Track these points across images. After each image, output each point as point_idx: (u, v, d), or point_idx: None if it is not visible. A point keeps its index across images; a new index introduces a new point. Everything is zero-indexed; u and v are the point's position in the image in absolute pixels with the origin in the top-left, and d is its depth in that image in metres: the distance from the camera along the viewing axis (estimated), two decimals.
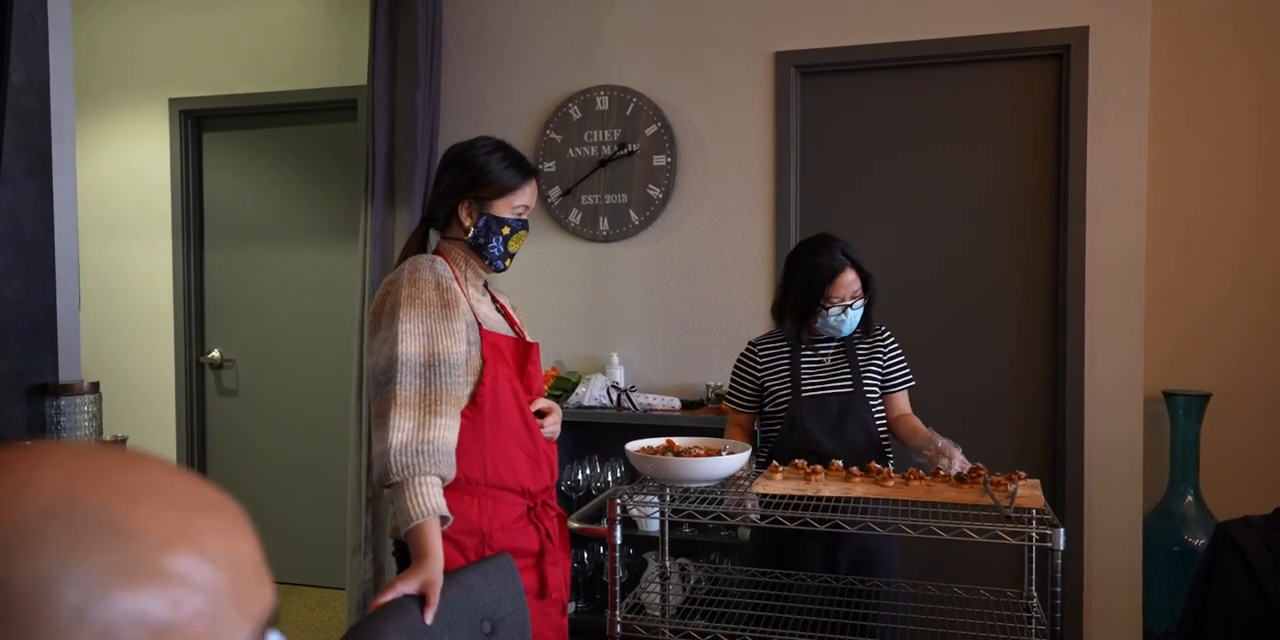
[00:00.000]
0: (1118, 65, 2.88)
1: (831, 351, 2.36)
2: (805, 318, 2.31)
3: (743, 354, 2.43)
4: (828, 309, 2.28)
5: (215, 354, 4.16)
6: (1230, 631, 1.83)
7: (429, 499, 1.51)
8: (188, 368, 4.15)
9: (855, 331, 2.34)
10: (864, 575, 2.16)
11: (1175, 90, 3.03)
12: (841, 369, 2.33)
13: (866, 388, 2.32)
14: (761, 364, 2.38)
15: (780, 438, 2.32)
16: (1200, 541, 2.79)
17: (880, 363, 2.37)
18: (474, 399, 1.70)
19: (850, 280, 2.27)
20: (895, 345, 2.40)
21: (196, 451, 4.19)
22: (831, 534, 2.03)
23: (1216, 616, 1.85)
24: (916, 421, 2.35)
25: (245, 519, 0.47)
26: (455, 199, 1.79)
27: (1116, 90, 2.88)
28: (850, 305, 2.27)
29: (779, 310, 2.39)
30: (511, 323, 1.91)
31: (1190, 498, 2.86)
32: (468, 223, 1.79)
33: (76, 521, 0.40)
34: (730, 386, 2.45)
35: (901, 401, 2.40)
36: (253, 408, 4.14)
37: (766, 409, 2.38)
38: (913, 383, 2.42)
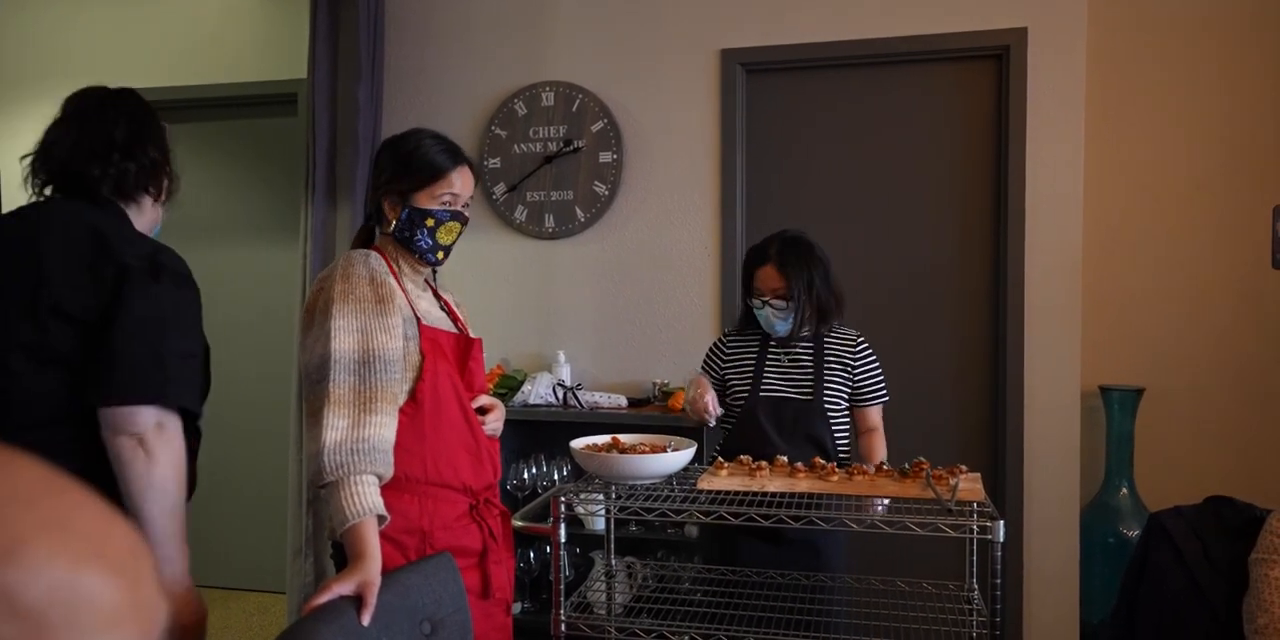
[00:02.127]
0: (1055, 66, 2.93)
1: (799, 355, 2.33)
2: (746, 307, 2.34)
3: (713, 345, 2.46)
4: (751, 299, 2.30)
5: None
6: (1161, 620, 1.88)
7: (365, 498, 1.48)
8: None
9: (792, 335, 2.28)
10: (809, 571, 2.17)
11: (1111, 91, 3.10)
12: (805, 375, 2.30)
13: (826, 398, 2.28)
14: (726, 357, 2.39)
15: (732, 434, 2.32)
16: (1135, 533, 2.86)
17: (849, 374, 2.31)
18: (413, 395, 1.67)
19: (769, 276, 2.24)
20: (870, 358, 2.34)
21: None
22: (774, 530, 2.03)
23: (1149, 605, 1.90)
24: (878, 444, 2.31)
25: (132, 556, 0.41)
26: (380, 194, 1.77)
27: (1054, 91, 2.94)
28: (768, 301, 2.25)
29: (742, 302, 2.41)
30: (455, 319, 1.88)
31: (1125, 490, 2.93)
32: (391, 217, 1.76)
33: None
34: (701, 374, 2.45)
35: (870, 416, 2.35)
36: None
37: (726, 402, 2.37)
38: (885, 398, 2.36)
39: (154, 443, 1.49)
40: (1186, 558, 1.81)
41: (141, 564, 0.42)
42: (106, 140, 1.67)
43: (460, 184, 1.78)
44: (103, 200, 1.66)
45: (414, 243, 1.76)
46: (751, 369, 2.33)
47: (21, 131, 4.05)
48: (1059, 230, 2.94)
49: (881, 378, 2.35)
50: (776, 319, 2.26)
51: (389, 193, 1.76)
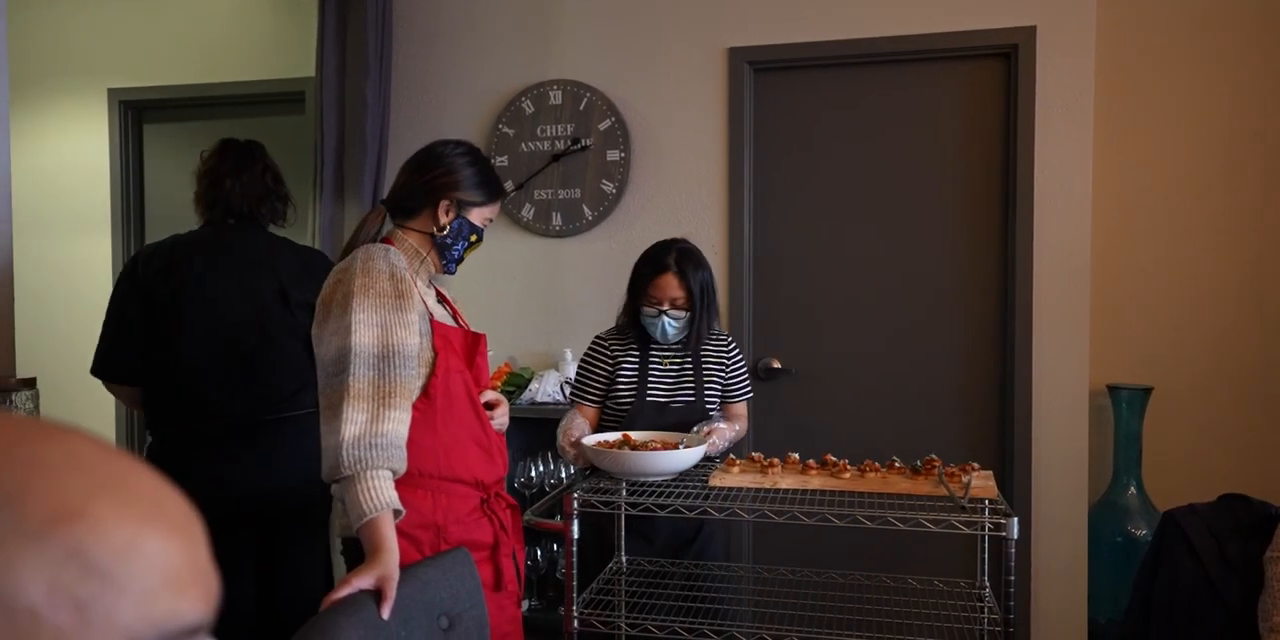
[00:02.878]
0: (1064, 65, 2.93)
1: (677, 359, 2.36)
2: (634, 315, 2.33)
3: (593, 347, 2.41)
4: (643, 307, 2.29)
5: None
6: (1175, 617, 1.88)
7: (381, 493, 1.48)
8: None
9: (681, 343, 2.33)
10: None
11: (1120, 89, 3.10)
12: (686, 377, 2.35)
13: (707, 397, 2.35)
14: (614, 359, 2.36)
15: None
16: (1143, 532, 2.86)
17: (723, 374, 2.39)
18: (426, 391, 1.67)
19: (670, 285, 2.26)
20: (741, 359, 2.44)
21: (138, 448, 4.07)
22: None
23: (1163, 602, 1.90)
24: (741, 427, 2.38)
25: (188, 521, 0.42)
26: (439, 195, 1.77)
27: (1063, 89, 2.94)
28: (665, 311, 2.27)
29: (624, 309, 2.40)
30: (455, 315, 1.89)
31: (1133, 489, 2.93)
32: (444, 220, 1.78)
33: None
34: (579, 380, 2.41)
35: (737, 409, 2.44)
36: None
37: (607, 405, 2.37)
38: (751, 395, 2.47)
39: None
40: (1201, 555, 1.81)
41: (196, 529, 0.43)
42: (264, 189, 2.42)
43: (496, 211, 1.88)
44: (266, 225, 2.45)
45: (450, 250, 1.80)
46: (636, 373, 2.34)
47: (32, 129, 4.06)
48: (1067, 229, 2.94)
49: (748, 375, 2.47)
50: (672, 327, 2.29)
51: (450, 197, 1.77)
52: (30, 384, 2.35)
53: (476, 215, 1.81)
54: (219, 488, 2.17)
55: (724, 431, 2.20)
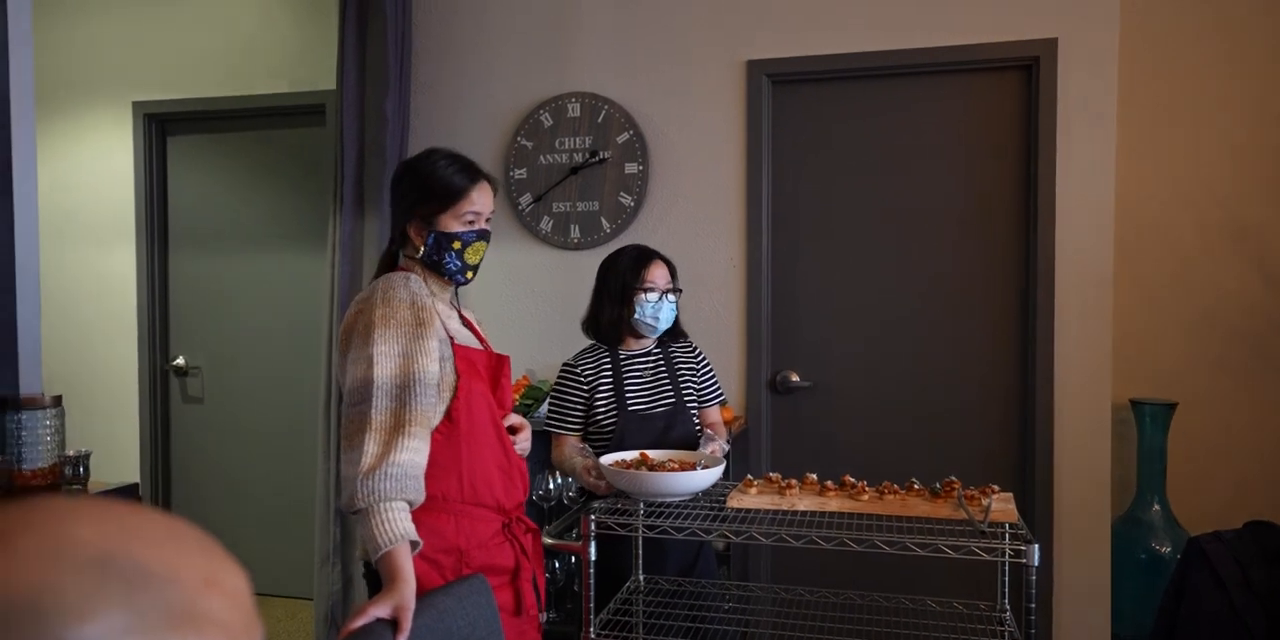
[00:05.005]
0: (1086, 76, 2.91)
1: (651, 364, 2.40)
2: (624, 313, 2.34)
3: (563, 375, 2.39)
4: (644, 294, 2.33)
5: (180, 360, 4.09)
6: None
7: (397, 525, 1.49)
8: (152, 374, 4.07)
9: (662, 340, 2.42)
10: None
11: (1143, 100, 3.07)
12: (663, 382, 2.39)
13: (686, 399, 2.40)
14: (587, 382, 2.35)
15: (609, 451, 2.30)
16: (1167, 549, 2.83)
17: (695, 377, 2.44)
18: (449, 414, 1.68)
19: (661, 270, 2.37)
20: (707, 361, 2.51)
21: (160, 458, 4.12)
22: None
23: (1187, 629, 1.88)
24: (720, 431, 2.44)
25: (230, 557, 0.49)
26: (404, 220, 1.77)
27: (1085, 101, 2.91)
28: (665, 293, 2.35)
29: (593, 321, 2.42)
30: (479, 337, 1.89)
31: (1157, 506, 2.90)
32: (418, 242, 1.77)
33: (121, 575, 0.41)
34: (554, 411, 2.37)
35: (712, 413, 2.49)
36: (218, 414, 4.08)
37: (590, 427, 2.36)
38: (725, 398, 2.53)
39: None
40: (1225, 582, 1.79)
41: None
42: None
43: (481, 201, 1.79)
44: None
45: (443, 266, 1.77)
46: (611, 388, 2.34)
47: (59, 142, 4.11)
48: (1090, 241, 2.92)
49: (719, 379, 2.54)
50: (671, 309, 2.38)
51: (412, 218, 1.76)
52: (57, 402, 2.37)
53: (448, 221, 1.75)
54: None
55: (718, 451, 2.22)
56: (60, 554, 0.41)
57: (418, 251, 1.76)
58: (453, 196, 1.75)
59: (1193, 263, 3.06)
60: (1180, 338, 3.06)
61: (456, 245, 1.76)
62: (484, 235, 1.81)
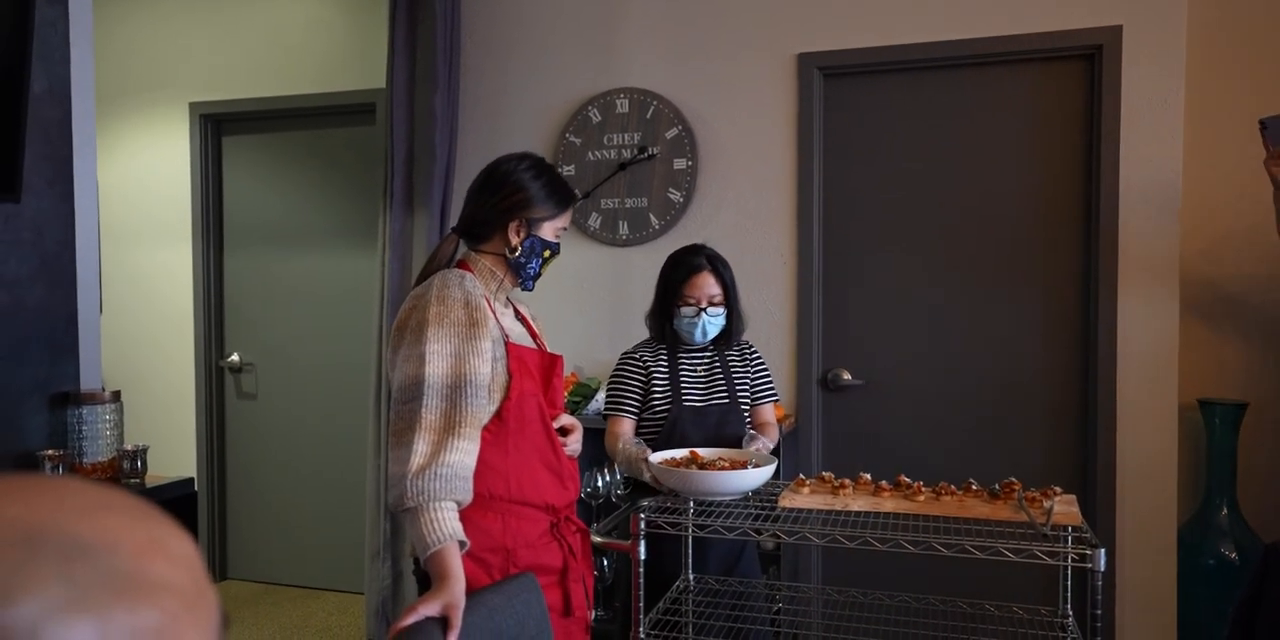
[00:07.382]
0: (1152, 65, 2.81)
1: (706, 362, 2.42)
2: (665, 318, 2.38)
3: (622, 361, 2.45)
4: (680, 308, 2.33)
5: (235, 358, 4.16)
6: None
7: (445, 524, 1.48)
8: (207, 372, 4.15)
9: (716, 342, 2.41)
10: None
11: (1211, 90, 2.96)
12: (718, 380, 2.40)
13: (740, 398, 2.40)
14: (647, 370, 2.40)
15: (656, 445, 2.31)
16: (1235, 555, 2.73)
17: (750, 376, 2.45)
18: (499, 414, 1.67)
19: (707, 283, 2.34)
20: (762, 360, 2.50)
21: (216, 455, 4.19)
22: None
23: None
24: (771, 434, 2.41)
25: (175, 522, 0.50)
26: (507, 217, 1.76)
27: (1151, 91, 2.81)
28: (705, 309, 2.33)
29: (650, 318, 2.45)
30: (533, 334, 1.88)
31: (1226, 510, 2.79)
32: (515, 241, 1.77)
33: (55, 549, 0.41)
34: (614, 394, 2.42)
35: (765, 412, 2.48)
36: (271, 411, 4.14)
37: (644, 415, 2.39)
38: (777, 397, 2.52)
39: None
40: None
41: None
42: None
43: (569, 218, 1.85)
44: None
45: (526, 268, 1.79)
46: (668, 380, 2.38)
47: (118, 143, 4.20)
48: (1155, 236, 2.82)
49: (772, 377, 2.52)
50: (712, 325, 2.35)
51: (514, 218, 1.76)
52: (116, 397, 2.42)
53: (548, 229, 1.80)
54: None
55: (763, 450, 2.21)
56: None
57: (513, 251, 1.77)
58: (562, 207, 1.81)
59: (1264, 258, 2.94)
60: (1251, 336, 2.95)
61: (546, 253, 1.81)
62: (559, 249, 1.85)
